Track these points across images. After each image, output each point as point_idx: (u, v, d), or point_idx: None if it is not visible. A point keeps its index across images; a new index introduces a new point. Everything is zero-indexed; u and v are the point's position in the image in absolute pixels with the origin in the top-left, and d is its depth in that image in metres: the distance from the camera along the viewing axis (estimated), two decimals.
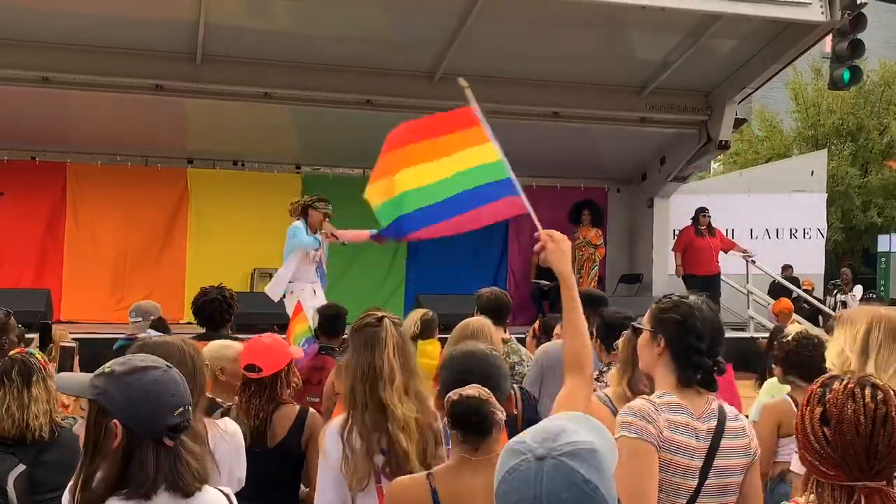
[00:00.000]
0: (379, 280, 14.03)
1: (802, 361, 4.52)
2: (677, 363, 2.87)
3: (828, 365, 3.42)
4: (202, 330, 5.69)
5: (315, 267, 9.30)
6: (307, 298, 8.83)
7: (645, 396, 2.89)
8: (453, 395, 2.78)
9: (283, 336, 5.41)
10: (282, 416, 4.04)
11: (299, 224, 9.19)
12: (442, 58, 11.28)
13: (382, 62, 11.37)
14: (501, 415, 2.80)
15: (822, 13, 10.09)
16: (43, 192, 12.52)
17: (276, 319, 9.57)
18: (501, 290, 6.32)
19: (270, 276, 13.25)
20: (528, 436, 1.59)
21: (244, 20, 10.52)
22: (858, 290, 15.99)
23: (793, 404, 4.39)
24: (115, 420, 2.22)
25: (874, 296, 19.69)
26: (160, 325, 6.04)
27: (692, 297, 2.97)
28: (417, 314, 6.70)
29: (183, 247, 13.07)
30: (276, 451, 4.01)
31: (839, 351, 3.36)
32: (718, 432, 2.79)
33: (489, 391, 2.80)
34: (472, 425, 2.75)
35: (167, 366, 2.32)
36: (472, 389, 2.78)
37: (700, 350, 2.85)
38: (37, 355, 3.82)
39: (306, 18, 10.56)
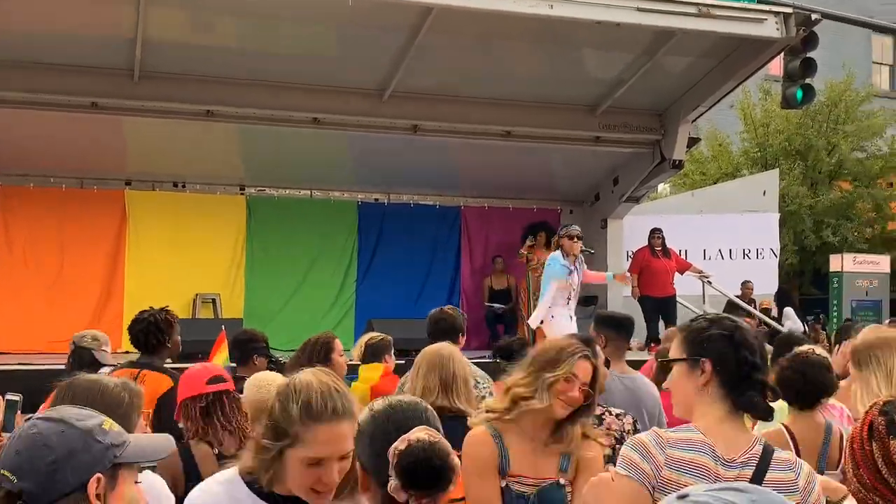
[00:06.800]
0: (328, 302, 13.62)
1: (788, 384, 4.07)
2: (732, 387, 2.41)
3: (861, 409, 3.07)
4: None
5: (569, 294, 9.43)
6: (564, 325, 9.04)
7: (656, 429, 2.46)
8: (399, 443, 2.23)
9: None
10: None
11: (556, 254, 9.46)
12: (391, 76, 10.96)
13: (330, 80, 11.02)
14: (457, 459, 2.29)
15: (778, 29, 9.98)
16: None
17: None
18: (453, 307, 6.00)
19: (213, 301, 12.83)
20: None
21: (187, 36, 10.12)
22: (789, 314, 15.38)
23: (785, 433, 4.05)
24: None
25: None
26: (81, 356, 5.53)
27: (721, 314, 2.57)
28: (364, 338, 6.59)
29: (121, 272, 12.53)
30: None
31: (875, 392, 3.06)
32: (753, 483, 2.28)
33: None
34: (432, 475, 2.20)
35: (60, 419, 1.85)
36: (421, 432, 2.26)
37: (756, 365, 2.40)
38: None
39: (252, 35, 10.17)
